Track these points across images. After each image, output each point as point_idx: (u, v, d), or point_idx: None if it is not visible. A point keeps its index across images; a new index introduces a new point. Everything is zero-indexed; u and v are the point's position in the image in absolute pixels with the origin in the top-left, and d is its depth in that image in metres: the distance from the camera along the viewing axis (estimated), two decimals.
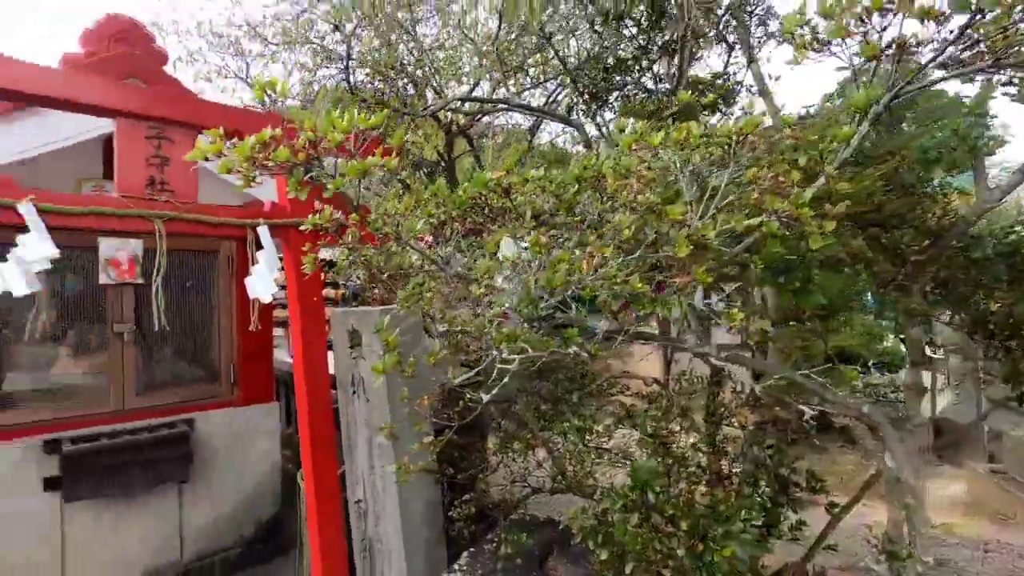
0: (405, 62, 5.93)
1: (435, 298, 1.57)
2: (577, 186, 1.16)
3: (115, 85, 1.99)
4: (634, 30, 3.03)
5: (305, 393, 2.32)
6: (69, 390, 3.62)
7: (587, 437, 2.75)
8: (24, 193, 1.71)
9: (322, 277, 2.45)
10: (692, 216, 1.03)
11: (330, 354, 2.92)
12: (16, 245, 1.66)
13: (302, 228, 1.27)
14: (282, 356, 5.34)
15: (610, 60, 3.25)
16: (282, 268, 2.27)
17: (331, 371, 2.88)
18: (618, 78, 3.17)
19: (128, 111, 1.90)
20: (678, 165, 1.09)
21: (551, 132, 7.94)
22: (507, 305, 1.12)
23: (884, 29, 0.90)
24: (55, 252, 1.70)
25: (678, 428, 2.74)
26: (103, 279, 3.63)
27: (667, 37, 2.71)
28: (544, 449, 2.73)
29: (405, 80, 5.57)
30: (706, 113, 2.92)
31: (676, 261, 0.99)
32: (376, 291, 3.03)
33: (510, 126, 7.06)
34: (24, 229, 1.70)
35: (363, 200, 1.63)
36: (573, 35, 3.91)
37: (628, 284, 0.96)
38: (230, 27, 7.41)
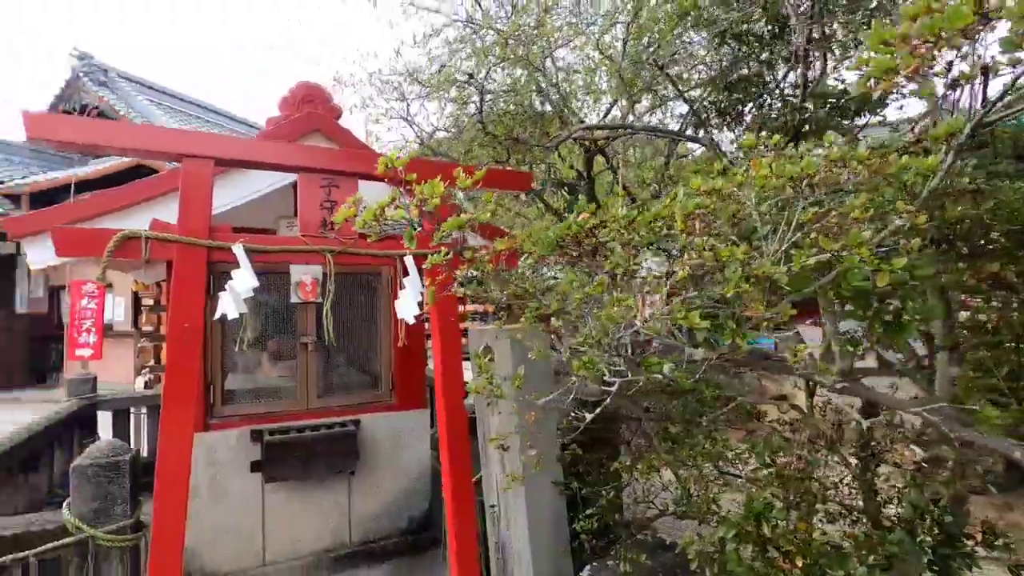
0: (543, 87, 6.21)
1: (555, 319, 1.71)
2: (656, 223, 1.21)
3: (296, 148, 2.48)
4: (755, 46, 2.88)
5: (444, 403, 2.60)
6: (268, 390, 4.41)
7: (717, 462, 2.66)
8: (236, 238, 2.21)
9: (464, 295, 2.74)
10: (763, 252, 1.02)
11: (468, 364, 3.21)
12: (231, 278, 2.16)
13: (425, 266, 1.48)
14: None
15: (731, 78, 3.12)
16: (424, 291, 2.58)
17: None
18: (740, 95, 3.03)
19: (306, 167, 2.36)
20: (754, 202, 1.09)
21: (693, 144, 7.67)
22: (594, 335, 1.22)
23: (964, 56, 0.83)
24: (256, 284, 2.18)
25: (823, 461, 2.53)
26: (293, 298, 4.39)
27: (792, 48, 2.54)
28: (671, 471, 2.70)
29: (540, 105, 5.84)
30: (846, 123, 2.67)
31: (748, 296, 1.00)
32: (511, 310, 3.26)
33: (649, 139, 6.98)
34: (235, 266, 2.20)
35: (500, 222, 1.84)
36: (692, 57, 3.82)
37: (687, 320, 1.00)
38: (393, 75, 8.40)
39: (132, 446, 5.89)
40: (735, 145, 3.45)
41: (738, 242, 1.07)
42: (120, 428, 6.12)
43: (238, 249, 2.18)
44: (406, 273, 2.50)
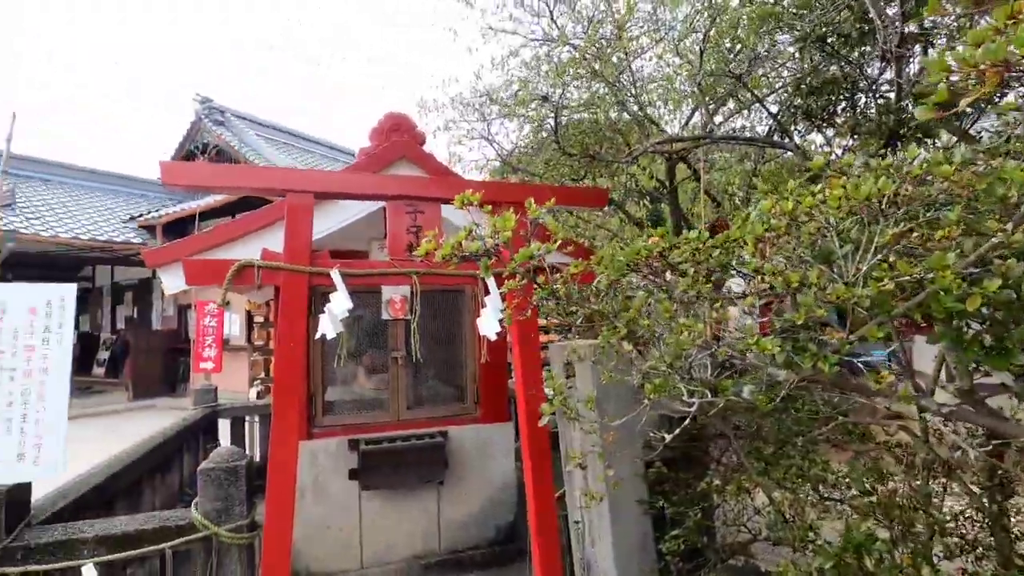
0: (621, 98, 6.17)
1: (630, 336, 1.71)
2: (729, 245, 1.19)
3: (383, 179, 2.68)
4: (842, 47, 2.69)
5: (526, 418, 2.66)
6: (363, 402, 4.69)
7: (816, 485, 2.50)
8: (333, 264, 2.42)
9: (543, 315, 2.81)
10: (842, 273, 0.97)
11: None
12: (329, 301, 2.37)
13: (502, 290, 1.55)
14: None
15: (817, 81, 2.94)
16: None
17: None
18: (828, 98, 2.84)
19: (392, 195, 2.54)
20: (832, 222, 1.03)
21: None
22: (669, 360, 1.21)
23: None
24: (351, 305, 2.36)
25: (941, 489, 2.31)
26: (384, 315, 4.65)
27: (883, 46, 2.35)
28: (764, 493, 2.57)
29: (618, 116, 5.81)
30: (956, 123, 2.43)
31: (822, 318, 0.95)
32: (591, 326, 3.27)
33: (734, 145, 6.71)
34: (333, 289, 2.40)
35: (581, 234, 1.88)
36: (774, 61, 3.63)
37: (759, 346, 0.97)
38: (474, 97, 8.70)
39: (247, 451, 6.48)
40: (826, 148, 3.25)
41: (813, 264, 1.03)
42: (236, 434, 6.75)
43: (335, 274, 2.38)
44: (487, 292, 2.59)
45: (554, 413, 1.85)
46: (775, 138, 4.01)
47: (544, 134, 7.44)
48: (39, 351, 2.69)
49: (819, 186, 1.07)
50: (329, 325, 2.32)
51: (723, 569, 2.33)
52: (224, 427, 6.88)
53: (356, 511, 4.32)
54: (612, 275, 1.37)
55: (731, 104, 5.86)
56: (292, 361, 2.38)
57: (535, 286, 1.55)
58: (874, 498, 1.79)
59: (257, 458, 6.20)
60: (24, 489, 2.80)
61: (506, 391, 4.91)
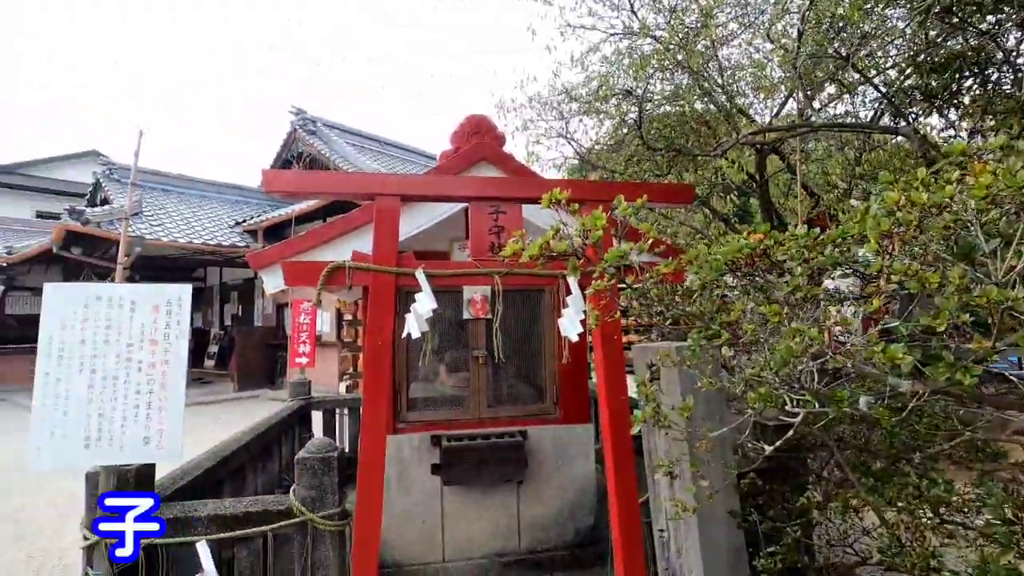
0: (707, 88, 5.91)
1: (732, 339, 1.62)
2: (845, 241, 1.07)
3: (465, 181, 2.72)
4: (974, 16, 2.36)
5: (609, 422, 2.59)
6: (445, 400, 4.80)
7: (937, 508, 2.25)
8: (418, 265, 2.48)
9: (630, 316, 2.73)
10: (989, 272, 0.83)
11: (631, 379, 3.16)
12: (415, 301, 2.43)
13: (588, 292, 1.51)
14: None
15: (936, 57, 2.60)
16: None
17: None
18: (952, 74, 2.51)
19: (475, 197, 2.57)
20: (973, 213, 0.89)
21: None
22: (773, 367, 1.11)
23: None
24: (435, 306, 2.42)
25: None
26: (465, 315, 4.74)
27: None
28: (875, 513, 2.35)
29: (704, 107, 5.55)
30: None
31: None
32: (677, 327, 3.14)
33: (834, 132, 6.21)
34: (418, 289, 2.46)
35: (661, 231, 1.81)
36: (886, 36, 3.27)
37: (887, 354, 0.85)
38: (552, 95, 8.68)
39: (336, 442, 6.86)
40: (948, 131, 2.89)
41: (951, 262, 0.90)
42: (328, 425, 7.16)
43: (420, 275, 2.44)
44: (568, 292, 2.56)
45: (646, 422, 1.78)
46: (884, 122, 3.64)
47: (625, 130, 7.27)
48: (161, 345, 2.98)
49: (955, 174, 0.94)
50: (414, 324, 2.39)
51: None
52: (317, 418, 7.32)
53: (438, 505, 4.43)
54: (709, 276, 1.29)
55: (830, 89, 5.43)
56: (380, 358, 2.47)
57: (623, 287, 1.50)
58: (1016, 527, 1.57)
59: (347, 449, 6.54)
60: (149, 469, 3.11)
61: (587, 392, 4.84)
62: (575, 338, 2.49)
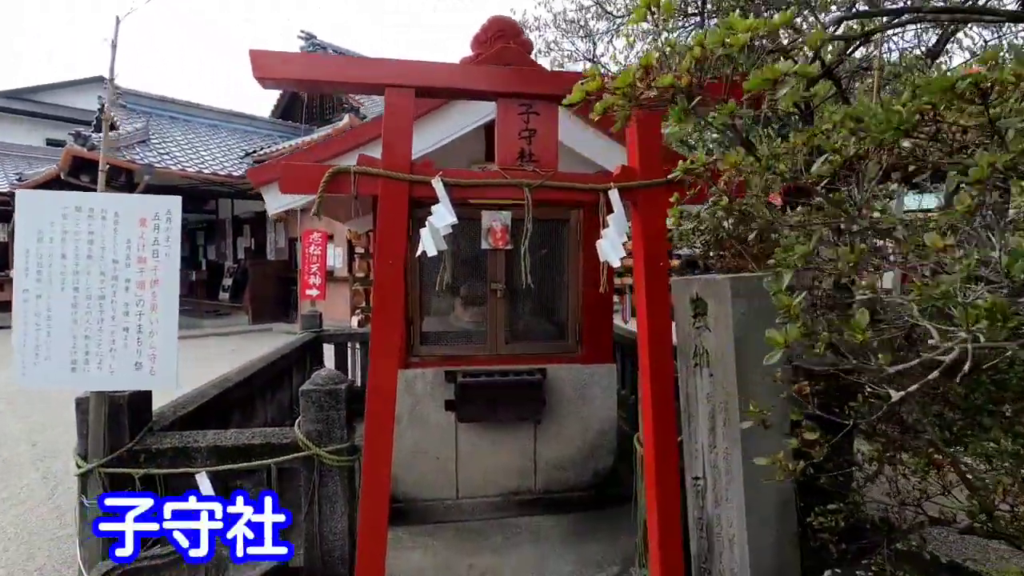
0: None
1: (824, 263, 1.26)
2: None
3: (496, 71, 2.28)
4: None
5: (648, 359, 2.29)
6: (460, 334, 4.54)
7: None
8: (435, 172, 2.11)
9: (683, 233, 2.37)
10: None
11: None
12: (431, 214, 2.08)
13: (671, 176, 1.15)
14: (616, 321, 5.56)
15: None
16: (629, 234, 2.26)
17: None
18: None
19: (504, 92, 2.16)
20: None
21: (968, 48, 5.91)
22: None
23: None
24: (455, 220, 2.07)
25: None
26: (484, 245, 4.39)
27: None
28: (954, 471, 2.05)
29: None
30: None
31: None
32: (723, 257, 2.77)
33: (900, 49, 5.52)
34: (435, 201, 2.11)
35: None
36: None
37: None
38: (579, 12, 7.92)
39: (349, 376, 6.72)
40: None
41: None
42: (340, 358, 7.01)
43: (437, 183, 2.08)
44: (609, 210, 2.19)
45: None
46: None
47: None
48: (150, 263, 2.68)
49: None
50: (430, 241, 2.05)
51: (898, 556, 1.90)
52: (329, 352, 7.17)
53: (452, 442, 4.26)
54: (876, 140, 0.90)
55: None
56: (391, 281, 2.16)
57: (678, 189, 1.14)
58: None
59: (358, 383, 6.39)
60: (145, 396, 2.90)
61: (610, 331, 4.55)
62: (616, 263, 2.14)
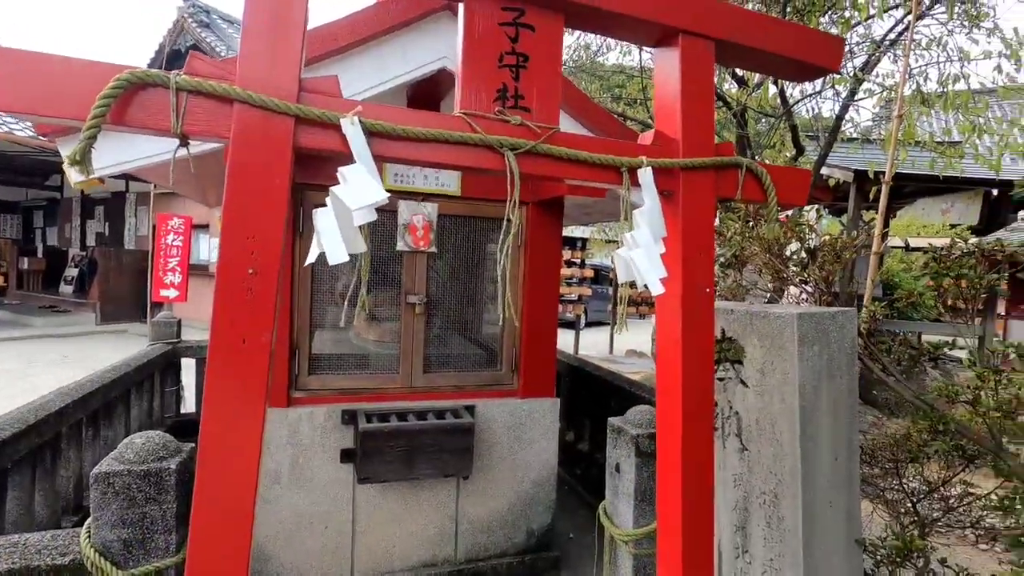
0: None
1: None
2: None
3: None
4: None
5: (680, 428, 1.47)
6: (363, 359, 3.50)
7: None
8: (348, 106, 1.13)
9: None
10: None
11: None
12: (337, 183, 1.10)
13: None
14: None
15: None
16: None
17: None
18: None
19: None
20: None
21: None
22: None
23: None
24: (386, 197, 1.09)
25: None
26: (400, 245, 3.38)
27: None
28: None
29: None
30: None
31: None
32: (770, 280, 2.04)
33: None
34: (342, 159, 1.13)
35: None
36: None
37: None
38: None
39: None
40: None
41: None
42: (202, 375, 5.56)
43: (349, 126, 1.11)
44: (636, 184, 1.35)
45: None
46: None
47: None
48: None
49: None
50: (335, 236, 1.05)
51: None
52: (189, 367, 5.70)
53: (348, 505, 3.20)
54: None
55: None
56: (261, 288, 1.15)
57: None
58: None
59: None
60: None
61: (553, 356, 3.73)
62: (659, 288, 1.29)
